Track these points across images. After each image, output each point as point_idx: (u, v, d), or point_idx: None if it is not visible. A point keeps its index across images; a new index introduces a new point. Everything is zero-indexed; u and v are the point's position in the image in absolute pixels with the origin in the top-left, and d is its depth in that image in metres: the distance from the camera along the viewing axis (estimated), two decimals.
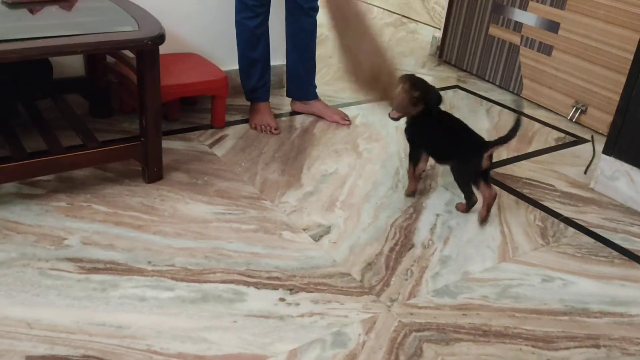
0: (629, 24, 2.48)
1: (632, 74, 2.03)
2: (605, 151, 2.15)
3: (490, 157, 1.87)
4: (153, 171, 1.94)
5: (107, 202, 1.83)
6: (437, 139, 1.97)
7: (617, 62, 2.56)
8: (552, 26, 2.82)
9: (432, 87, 1.95)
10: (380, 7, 4.73)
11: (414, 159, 2.02)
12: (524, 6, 2.94)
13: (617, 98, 2.27)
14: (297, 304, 1.50)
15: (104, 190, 1.89)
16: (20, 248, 1.59)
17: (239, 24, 2.30)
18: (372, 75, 1.85)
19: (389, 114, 1.95)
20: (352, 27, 1.84)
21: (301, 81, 2.53)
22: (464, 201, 1.97)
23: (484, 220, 1.92)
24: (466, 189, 1.94)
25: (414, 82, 1.90)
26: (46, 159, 1.76)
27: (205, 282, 1.54)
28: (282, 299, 1.51)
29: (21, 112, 2.16)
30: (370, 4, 4.85)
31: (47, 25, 1.76)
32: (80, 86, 2.32)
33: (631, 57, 2.09)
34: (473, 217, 1.94)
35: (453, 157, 1.93)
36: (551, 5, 2.80)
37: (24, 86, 2.15)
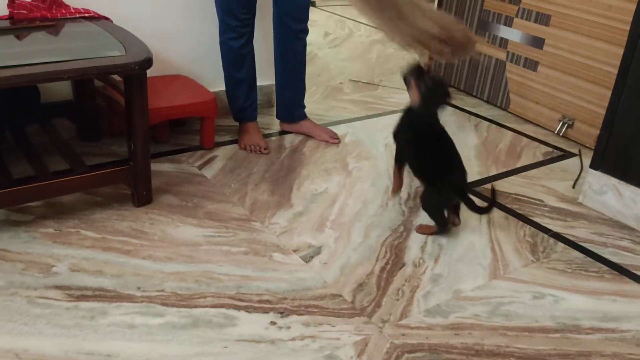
0: (612, 39, 2.52)
1: (617, 88, 2.05)
2: (593, 165, 2.16)
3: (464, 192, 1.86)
4: (142, 195, 1.93)
5: (96, 227, 1.82)
6: (424, 156, 1.90)
7: (602, 77, 2.59)
8: (537, 42, 2.85)
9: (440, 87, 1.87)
10: (368, 25, 4.77)
11: (399, 161, 1.99)
12: (509, 23, 2.98)
13: (603, 112, 2.30)
14: (289, 328, 1.49)
15: (93, 215, 1.88)
16: (8, 276, 1.58)
17: (223, 45, 2.32)
18: (444, 35, 1.77)
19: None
20: (401, 6, 1.75)
21: (291, 103, 2.54)
22: (431, 222, 1.90)
23: (424, 234, 1.90)
24: (440, 217, 1.88)
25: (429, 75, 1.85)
26: (33, 186, 1.75)
27: (196, 307, 1.53)
28: (273, 323, 1.50)
29: (8, 138, 2.15)
30: (357, 21, 4.89)
31: (34, 51, 1.77)
32: (68, 110, 2.32)
33: (616, 71, 2.12)
34: (464, 234, 1.94)
35: (432, 181, 1.87)
36: (536, 21, 2.84)
37: (11, 111, 2.14)
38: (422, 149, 1.90)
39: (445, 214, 1.89)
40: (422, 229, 1.92)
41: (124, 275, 1.62)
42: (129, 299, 1.54)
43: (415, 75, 1.84)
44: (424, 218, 2.02)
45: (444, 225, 1.89)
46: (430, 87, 1.83)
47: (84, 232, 1.79)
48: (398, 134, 1.97)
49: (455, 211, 1.92)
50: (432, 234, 1.91)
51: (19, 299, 1.50)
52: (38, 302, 1.50)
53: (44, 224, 1.81)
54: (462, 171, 1.89)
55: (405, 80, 1.88)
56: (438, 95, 1.85)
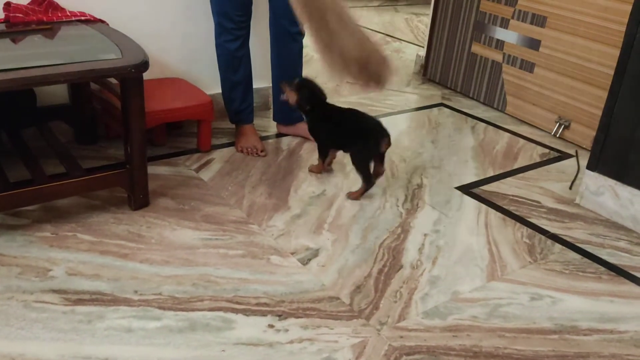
0: (608, 40, 2.53)
1: (613, 90, 2.06)
2: (589, 167, 2.17)
3: (389, 141, 2.10)
4: (139, 198, 1.93)
5: (93, 230, 1.81)
6: (336, 130, 2.15)
7: (598, 78, 2.60)
8: (534, 44, 2.86)
9: (311, 88, 2.17)
10: (365, 27, 4.78)
11: (323, 155, 2.25)
12: (505, 24, 2.98)
13: (599, 113, 2.30)
14: (286, 330, 1.48)
15: (90, 219, 1.87)
16: (4, 280, 1.57)
17: (219, 47, 2.32)
18: (362, 60, 1.88)
19: (282, 97, 2.22)
20: (330, 19, 1.84)
21: (288, 105, 2.53)
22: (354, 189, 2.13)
23: (355, 198, 2.11)
24: (366, 172, 2.09)
25: (298, 86, 2.16)
26: (30, 189, 1.74)
27: (193, 310, 1.53)
28: (271, 326, 1.50)
29: (4, 141, 2.15)
30: None
31: (30, 54, 1.76)
32: (65, 113, 2.31)
33: (612, 72, 2.12)
34: (461, 236, 1.95)
35: (354, 144, 2.11)
36: (532, 23, 2.85)
37: (8, 115, 2.13)
38: (335, 130, 2.17)
39: (371, 169, 2.12)
40: (353, 195, 2.13)
41: (120, 278, 1.62)
42: (126, 302, 1.53)
43: (286, 84, 2.20)
44: (421, 218, 2.02)
45: (369, 179, 2.11)
46: (299, 85, 2.18)
47: (81, 236, 1.78)
48: (312, 131, 2.25)
49: (381, 162, 2.14)
50: (362, 194, 2.12)
51: (15, 303, 1.49)
52: (35, 306, 1.49)
53: (40, 227, 1.81)
54: (372, 123, 2.13)
55: (284, 90, 2.21)
56: (309, 87, 2.19)
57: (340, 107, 2.22)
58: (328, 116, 2.18)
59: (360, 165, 2.11)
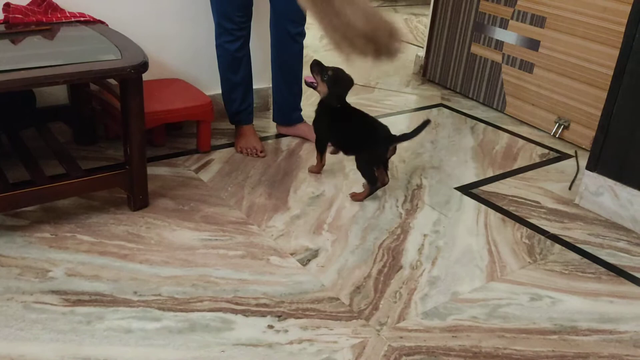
0: (607, 41, 2.53)
1: (612, 90, 2.06)
2: (589, 167, 2.17)
3: (394, 148, 2.10)
4: (138, 199, 1.93)
5: (92, 231, 1.81)
6: (344, 132, 2.12)
7: (597, 78, 2.60)
8: (533, 44, 2.86)
9: (343, 87, 2.13)
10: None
11: (321, 150, 2.23)
12: (504, 25, 2.98)
13: (598, 113, 2.30)
14: (286, 331, 1.48)
15: (89, 220, 1.87)
16: (3, 281, 1.57)
17: (219, 48, 2.32)
18: (369, 33, 1.80)
19: (305, 79, 2.17)
20: None
21: (287, 106, 2.54)
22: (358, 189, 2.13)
23: (358, 200, 2.10)
24: (371, 175, 2.08)
25: (332, 80, 2.11)
26: (29, 190, 1.74)
27: (193, 311, 1.53)
28: (270, 326, 1.50)
29: (4, 142, 2.15)
30: None
31: (30, 55, 1.76)
32: (64, 114, 2.31)
33: (611, 72, 2.12)
34: (461, 236, 1.95)
35: (360, 148, 2.10)
36: (531, 23, 2.85)
37: (7, 116, 2.13)
38: (341, 129, 2.14)
39: (376, 173, 2.11)
40: (356, 196, 2.12)
41: (120, 279, 1.62)
42: (126, 303, 1.53)
43: (317, 71, 2.13)
44: (421, 219, 2.02)
45: (374, 182, 2.10)
46: (334, 79, 2.12)
47: (80, 237, 1.78)
48: (317, 124, 2.20)
49: (385, 170, 2.13)
50: (365, 196, 2.11)
51: (14, 304, 1.49)
52: (34, 307, 1.49)
53: (40, 228, 1.81)
54: (380, 128, 2.10)
55: (314, 75, 2.15)
56: (342, 84, 2.13)
57: (350, 107, 2.17)
58: (337, 115, 2.14)
59: (366, 169, 2.09)
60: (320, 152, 2.24)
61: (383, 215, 2.04)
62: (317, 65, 2.13)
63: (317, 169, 2.27)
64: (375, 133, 2.08)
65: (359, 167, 2.11)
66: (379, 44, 1.82)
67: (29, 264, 1.65)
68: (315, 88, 2.15)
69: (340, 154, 2.26)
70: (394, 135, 2.08)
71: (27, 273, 1.61)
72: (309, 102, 2.98)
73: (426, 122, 2.09)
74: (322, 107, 2.17)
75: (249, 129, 2.45)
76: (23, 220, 1.84)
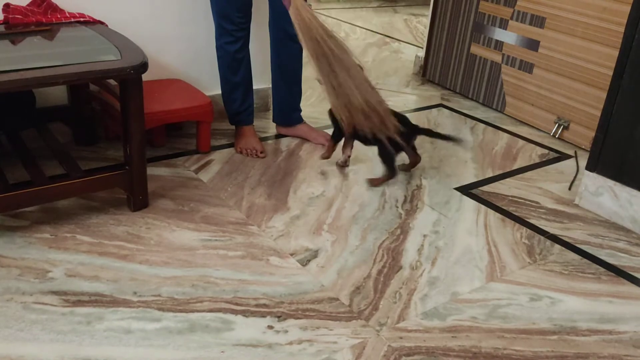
0: (606, 41, 2.53)
1: (612, 90, 2.06)
2: (589, 167, 2.17)
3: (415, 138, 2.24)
4: (138, 199, 1.93)
5: (92, 232, 1.81)
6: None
7: (597, 79, 2.60)
8: (532, 44, 2.86)
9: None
10: (363, 28, 4.79)
11: (336, 138, 2.31)
12: (504, 25, 2.98)
13: (598, 114, 2.30)
14: (286, 332, 1.48)
15: (89, 220, 1.87)
16: (3, 282, 1.57)
17: (219, 49, 2.32)
18: (366, 111, 2.03)
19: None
20: (338, 70, 1.99)
21: (287, 107, 2.54)
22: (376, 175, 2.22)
23: (375, 185, 2.20)
24: (392, 165, 2.19)
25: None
26: (29, 190, 1.74)
27: (193, 311, 1.53)
28: (270, 327, 1.50)
29: (4, 142, 2.15)
30: (353, 24, 4.90)
31: (29, 56, 1.76)
32: (64, 115, 2.31)
33: (610, 73, 2.12)
34: (461, 236, 1.95)
35: (380, 141, 2.14)
36: (531, 24, 2.85)
37: (7, 116, 2.13)
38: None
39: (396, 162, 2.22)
40: (374, 182, 2.21)
41: (120, 280, 1.62)
42: (126, 304, 1.53)
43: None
44: (420, 219, 2.02)
45: (394, 171, 2.21)
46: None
47: (80, 237, 1.78)
48: (334, 115, 2.22)
49: (414, 151, 2.28)
50: (384, 181, 2.21)
51: (14, 305, 1.49)
52: (34, 307, 1.49)
53: (39, 229, 1.81)
54: (406, 122, 2.20)
55: None
56: None
57: None
58: None
59: (388, 159, 2.18)
60: (335, 139, 2.31)
61: (383, 216, 2.04)
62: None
63: (328, 153, 2.34)
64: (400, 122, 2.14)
65: (381, 155, 2.19)
66: (373, 124, 2.07)
67: (29, 264, 1.65)
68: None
69: (340, 154, 2.26)
70: (417, 126, 2.21)
71: (26, 273, 1.61)
72: (309, 102, 2.98)
73: (456, 140, 2.35)
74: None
75: (249, 129, 2.45)
76: (23, 220, 1.85)
